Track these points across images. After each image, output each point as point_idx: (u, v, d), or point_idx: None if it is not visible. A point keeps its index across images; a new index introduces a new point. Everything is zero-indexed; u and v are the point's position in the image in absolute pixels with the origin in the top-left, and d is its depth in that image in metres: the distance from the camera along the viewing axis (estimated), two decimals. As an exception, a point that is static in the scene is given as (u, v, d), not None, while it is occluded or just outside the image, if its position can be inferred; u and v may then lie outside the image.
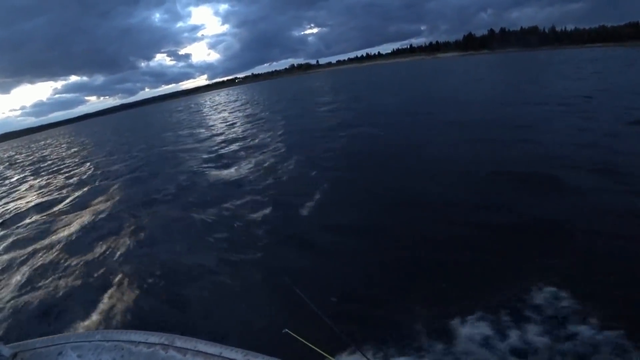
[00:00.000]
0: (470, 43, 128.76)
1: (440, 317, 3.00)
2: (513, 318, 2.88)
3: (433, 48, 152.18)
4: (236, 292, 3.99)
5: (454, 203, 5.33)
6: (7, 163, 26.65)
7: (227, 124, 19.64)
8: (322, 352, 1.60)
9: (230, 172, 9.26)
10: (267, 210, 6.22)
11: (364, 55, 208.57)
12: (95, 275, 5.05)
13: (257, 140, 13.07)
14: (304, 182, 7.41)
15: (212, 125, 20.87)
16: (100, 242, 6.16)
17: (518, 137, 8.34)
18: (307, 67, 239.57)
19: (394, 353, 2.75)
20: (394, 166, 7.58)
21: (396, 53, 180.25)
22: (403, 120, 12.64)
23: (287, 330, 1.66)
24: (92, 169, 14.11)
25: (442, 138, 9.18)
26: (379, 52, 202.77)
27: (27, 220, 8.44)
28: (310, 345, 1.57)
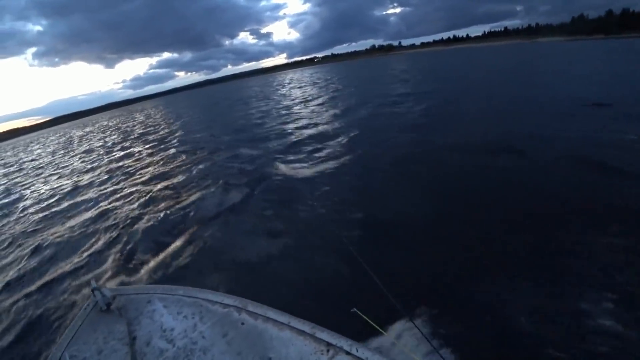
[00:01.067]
0: (580, 26, 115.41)
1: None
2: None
3: (532, 31, 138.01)
4: (309, 267, 3.99)
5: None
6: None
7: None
8: (388, 336, 1.64)
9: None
10: (348, 184, 6.16)
11: (451, 37, 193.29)
12: (177, 233, 5.36)
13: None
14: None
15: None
16: (190, 202, 6.53)
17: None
18: (389, 48, 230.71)
19: (466, 350, 2.44)
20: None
21: (488, 36, 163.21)
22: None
23: (355, 309, 1.68)
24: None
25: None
26: (467, 35, 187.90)
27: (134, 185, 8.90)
28: (378, 327, 1.60)
